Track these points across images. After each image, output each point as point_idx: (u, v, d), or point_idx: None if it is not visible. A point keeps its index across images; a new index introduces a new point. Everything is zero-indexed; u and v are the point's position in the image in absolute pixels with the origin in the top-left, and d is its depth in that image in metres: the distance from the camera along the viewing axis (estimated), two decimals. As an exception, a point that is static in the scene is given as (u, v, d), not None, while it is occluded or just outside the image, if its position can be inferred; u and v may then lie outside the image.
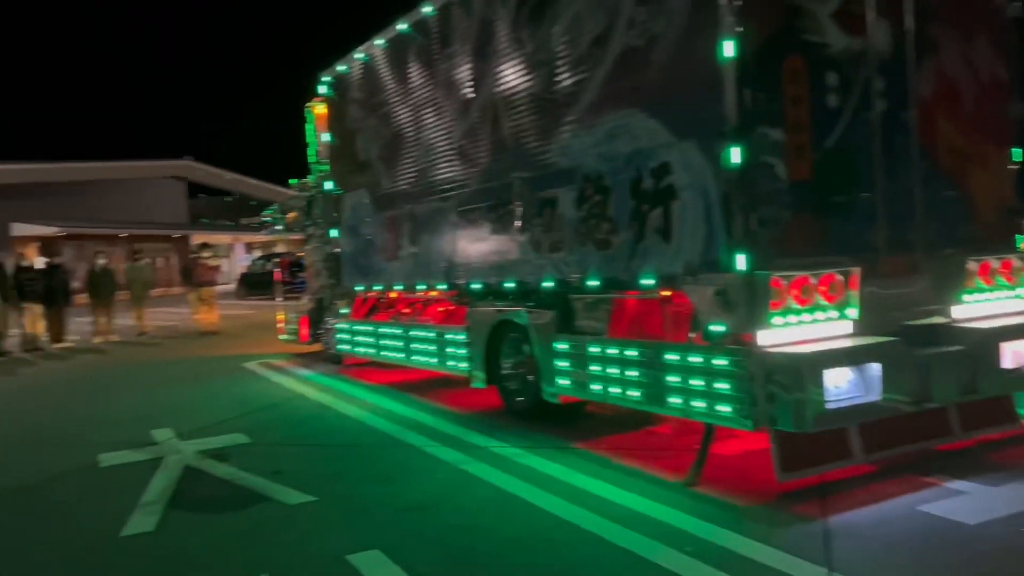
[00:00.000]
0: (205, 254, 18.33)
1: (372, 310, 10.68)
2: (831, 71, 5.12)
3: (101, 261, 17.99)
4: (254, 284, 30.83)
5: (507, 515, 4.77)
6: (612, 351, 5.94)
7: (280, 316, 13.79)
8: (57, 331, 16.94)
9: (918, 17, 5.44)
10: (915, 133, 5.43)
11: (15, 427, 8.60)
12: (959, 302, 5.63)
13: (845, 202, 5.19)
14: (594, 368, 6.15)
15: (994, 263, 5.76)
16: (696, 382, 5.20)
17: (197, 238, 47.82)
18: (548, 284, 6.64)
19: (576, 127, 6.18)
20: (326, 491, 5.42)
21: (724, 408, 5.00)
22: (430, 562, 4.11)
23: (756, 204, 4.85)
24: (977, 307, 5.70)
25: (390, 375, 10.15)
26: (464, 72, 7.65)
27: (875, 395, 4.90)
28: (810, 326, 4.99)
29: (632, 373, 5.75)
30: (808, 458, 4.94)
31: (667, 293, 5.66)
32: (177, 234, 47.31)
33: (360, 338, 10.43)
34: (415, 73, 8.62)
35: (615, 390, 5.93)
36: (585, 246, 6.17)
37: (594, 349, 6.15)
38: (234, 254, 51.93)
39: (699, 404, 5.20)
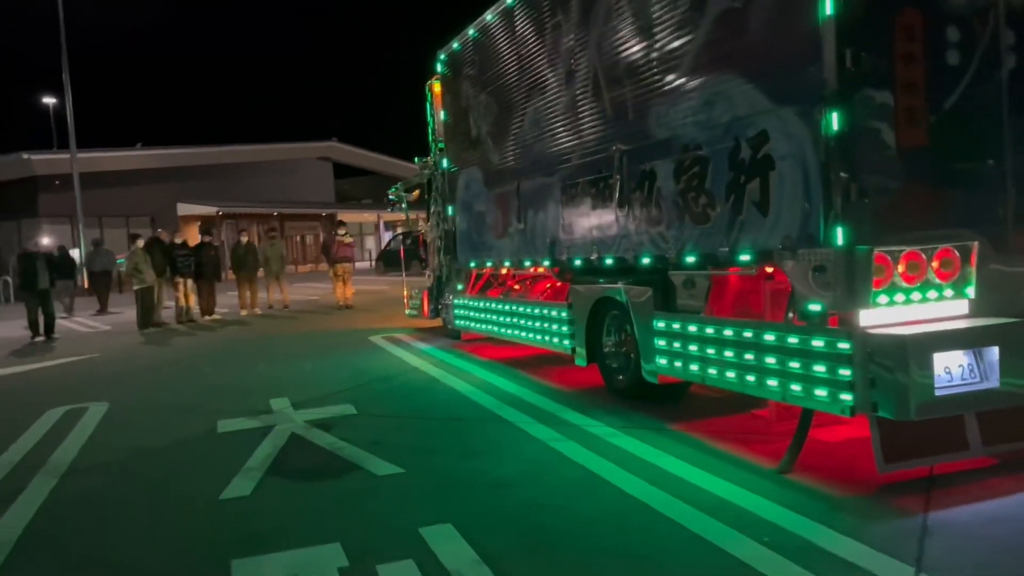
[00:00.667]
0: (340, 232, 19.01)
1: (486, 286, 10.76)
2: (952, 25, 4.64)
3: (244, 238, 18.99)
4: (392, 261, 31.80)
5: (587, 496, 4.68)
6: (709, 330, 5.70)
7: (405, 292, 14.15)
8: (208, 304, 18.03)
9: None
10: (1052, 92, 4.87)
11: (156, 394, 9.22)
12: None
13: (966, 170, 4.72)
14: (692, 348, 5.92)
15: None
16: (793, 364, 4.91)
17: (342, 216, 49.89)
18: (647, 260, 6.44)
19: (675, 95, 5.93)
20: (417, 464, 5.50)
21: (821, 392, 4.70)
22: (499, 538, 4.08)
23: (858, 174, 4.48)
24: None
25: (503, 351, 10.20)
26: (568, 42, 7.50)
27: (992, 382, 4.47)
28: (920, 305, 4.61)
29: (729, 354, 5.50)
30: (915, 448, 4.57)
31: (766, 270, 5.36)
32: (324, 212, 49.46)
33: (474, 314, 10.53)
34: (521, 46, 8.53)
35: (713, 371, 5.69)
36: (683, 220, 5.93)
37: (692, 328, 5.92)
38: (378, 232, 53.79)
39: (796, 388, 4.90)
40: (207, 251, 17.98)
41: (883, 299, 4.52)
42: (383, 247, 39.51)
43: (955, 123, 4.67)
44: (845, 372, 4.52)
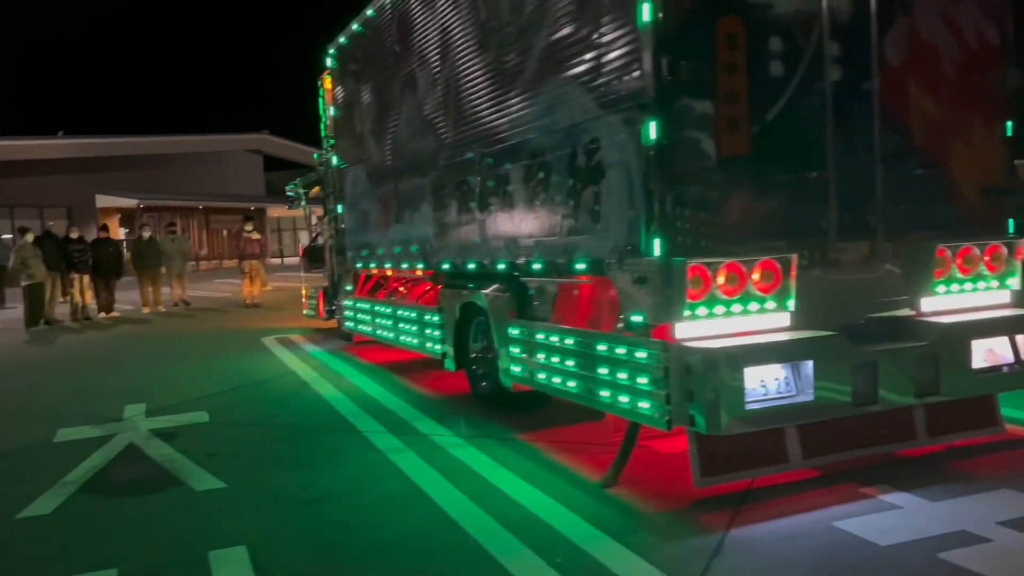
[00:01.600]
0: (247, 227, 18.56)
1: (376, 288, 10.54)
2: (776, 35, 4.60)
3: (145, 233, 18.40)
4: (316, 257, 31.18)
5: (401, 512, 4.52)
6: (552, 339, 5.60)
7: (304, 292, 13.84)
8: (106, 301, 17.41)
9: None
10: (878, 104, 4.85)
11: (7, 397, 8.79)
12: (931, 293, 5.04)
13: (789, 182, 4.68)
14: (539, 356, 5.82)
15: (975, 250, 5.15)
16: (621, 375, 4.82)
17: (274, 211, 48.91)
18: (502, 267, 6.32)
19: (522, 100, 5.81)
20: (242, 478, 5.28)
21: (644, 404, 4.61)
22: (291, 561, 3.90)
23: (676, 184, 4.41)
24: (952, 299, 5.11)
25: (388, 354, 10.00)
26: (433, 41, 7.34)
27: (807, 395, 4.44)
28: (740, 318, 4.54)
29: (569, 363, 5.40)
30: (734, 462, 4.53)
31: (600, 279, 5.28)
32: (253, 206, 48.45)
33: (360, 316, 10.30)
34: (394, 43, 8.35)
35: (557, 380, 5.59)
36: (531, 226, 5.81)
37: (538, 336, 5.81)
38: (310, 227, 52.86)
39: (624, 399, 4.81)
40: (105, 247, 17.39)
41: (702, 311, 4.45)
42: (309, 243, 38.81)
43: (778, 134, 4.63)
44: (662, 385, 4.45)
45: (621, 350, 4.80)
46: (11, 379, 10.06)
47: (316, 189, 13.39)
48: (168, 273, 18.96)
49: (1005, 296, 5.27)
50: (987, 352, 4.99)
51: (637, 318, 4.69)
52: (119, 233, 40.07)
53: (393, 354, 9.89)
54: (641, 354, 4.61)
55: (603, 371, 5.03)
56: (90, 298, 17.14)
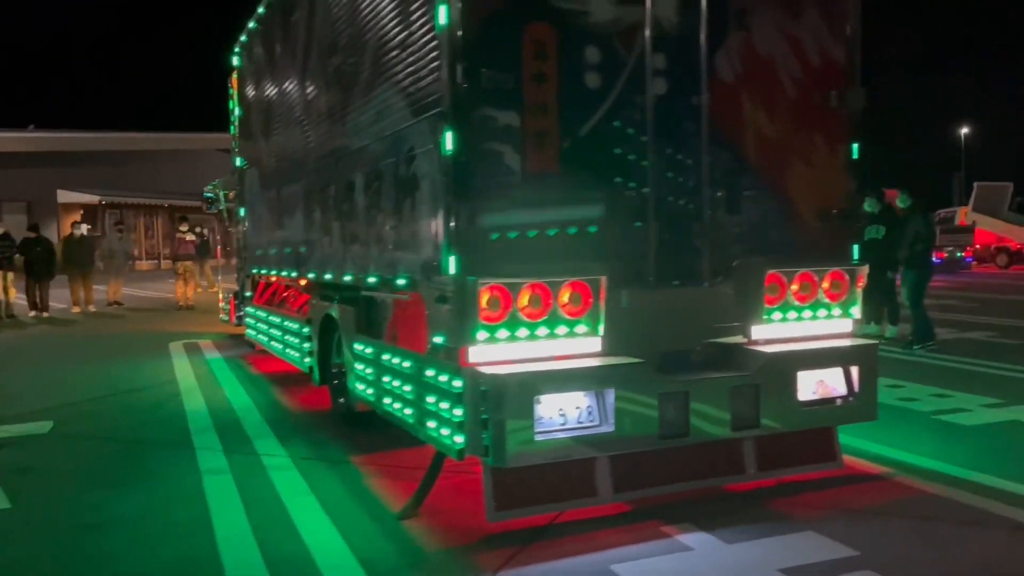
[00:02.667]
0: (182, 228, 18.19)
1: (273, 295, 10.23)
2: (593, 45, 4.36)
3: (76, 232, 17.98)
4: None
5: (172, 543, 4.21)
6: (376, 357, 5.35)
7: (220, 296, 13.51)
8: (35, 300, 16.96)
9: (718, -17, 4.62)
10: (707, 121, 4.62)
11: None
12: (762, 320, 4.80)
13: (603, 199, 4.43)
14: (369, 373, 5.55)
15: (813, 276, 4.91)
16: (430, 399, 4.55)
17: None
18: (348, 278, 6.04)
19: (360, 104, 5.55)
20: (38, 498, 4.98)
21: (445, 431, 4.35)
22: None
23: (474, 198, 4.14)
24: (787, 327, 4.87)
25: (282, 364, 9.66)
26: (299, 46, 7.07)
27: (608, 426, 4.19)
28: (548, 342, 4.27)
29: (391, 383, 5.13)
30: (534, 495, 4.25)
31: (418, 296, 5.01)
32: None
33: (254, 323, 10.01)
34: (273, 45, 8.09)
35: (387, 400, 5.31)
36: (369, 237, 5.54)
37: (368, 352, 5.56)
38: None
39: (431, 424, 4.55)
40: (35, 245, 16.96)
41: (503, 334, 4.17)
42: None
43: (592, 149, 4.38)
44: (458, 411, 4.18)
45: (430, 372, 4.53)
46: None
47: (234, 192, 13.07)
48: (106, 272, 18.55)
49: (847, 325, 5.04)
50: (817, 384, 4.77)
51: (439, 339, 4.43)
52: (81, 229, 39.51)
53: (285, 364, 9.57)
54: (442, 377, 4.35)
55: (410, 393, 4.78)
56: (14, 295, 16.70)
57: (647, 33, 4.45)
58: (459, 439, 4.17)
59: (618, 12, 4.41)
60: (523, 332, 4.22)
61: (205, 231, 20.78)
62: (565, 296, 4.28)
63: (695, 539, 4.05)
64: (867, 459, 5.36)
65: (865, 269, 5.05)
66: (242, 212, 10.57)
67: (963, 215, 31.29)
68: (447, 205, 4.19)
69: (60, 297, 18.24)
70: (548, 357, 4.25)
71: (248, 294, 10.58)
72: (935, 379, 8.05)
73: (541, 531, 4.21)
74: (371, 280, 5.51)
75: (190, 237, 18.10)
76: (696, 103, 4.60)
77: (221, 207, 13.51)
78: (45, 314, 16.81)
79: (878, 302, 10.92)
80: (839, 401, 4.83)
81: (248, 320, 10.54)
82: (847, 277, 4.99)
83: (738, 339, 4.81)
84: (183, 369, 9.70)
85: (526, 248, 4.25)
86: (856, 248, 5.13)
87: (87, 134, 43.59)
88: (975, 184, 31.84)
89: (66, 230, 17.47)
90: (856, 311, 5.06)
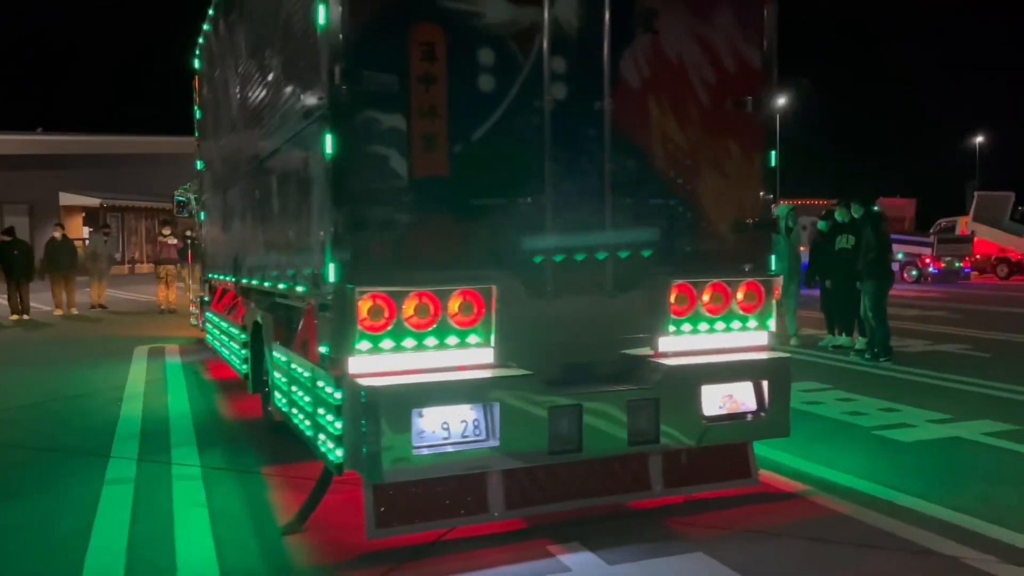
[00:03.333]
0: (164, 232, 18.14)
1: (221, 300, 10.12)
2: (487, 47, 4.23)
3: (57, 234, 17.96)
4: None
5: (35, 559, 4.08)
6: (292, 366, 5.21)
7: (191, 300, 13.44)
8: (15, 303, 16.92)
9: (624, -15, 4.47)
10: (610, 127, 4.47)
11: None
12: (669, 332, 4.65)
13: (498, 205, 4.30)
14: (283, 383, 5.43)
15: (727, 287, 4.76)
16: (320, 410, 4.42)
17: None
18: (267, 284, 5.92)
19: (269, 110, 5.45)
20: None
21: (330, 444, 4.21)
22: None
23: (356, 204, 4.01)
24: (694, 339, 4.71)
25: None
26: (233, 48, 6.98)
27: (493, 440, 4.05)
28: (437, 353, 4.13)
29: (300, 393, 5.00)
30: (420, 511, 4.11)
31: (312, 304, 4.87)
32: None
33: (210, 327, 9.91)
34: (216, 47, 8.00)
35: (294, 411, 5.18)
36: (279, 242, 5.42)
37: (283, 361, 5.43)
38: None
39: (321, 437, 4.41)
40: (11, 248, 16.93)
41: (387, 344, 4.04)
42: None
43: (486, 154, 4.25)
44: (338, 424, 4.05)
45: (320, 383, 4.40)
46: None
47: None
48: (91, 275, 18.51)
49: (763, 338, 4.88)
50: (725, 398, 4.62)
51: (323, 349, 4.29)
52: (83, 232, 39.54)
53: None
54: (328, 389, 4.21)
55: (309, 406, 4.64)
56: (-8, 299, 16.67)
57: (545, 35, 4.30)
58: (339, 452, 4.04)
59: (514, 13, 4.27)
60: (410, 343, 4.09)
61: (192, 235, 20.72)
62: (455, 306, 4.14)
63: (577, 559, 3.90)
64: (789, 476, 5.20)
65: (779, 280, 4.90)
66: (202, 216, 10.49)
67: (963, 225, 30.93)
68: (328, 210, 4.06)
69: (47, 300, 18.23)
70: (437, 368, 4.11)
71: (207, 299, 10.49)
72: (891, 392, 7.86)
73: (423, 549, 4.07)
74: (280, 287, 5.39)
75: (172, 241, 18.02)
76: (599, 108, 4.45)
77: (193, 210, 13.44)
78: (26, 317, 16.77)
79: (847, 313, 10.75)
80: (749, 416, 4.67)
81: (207, 325, 10.45)
82: (762, 288, 4.84)
83: (646, 351, 4.66)
84: (137, 374, 9.60)
85: (414, 255, 4.12)
86: (772, 259, 4.98)
87: (90, 137, 43.74)
88: (975, 193, 31.47)
89: (71, 233, 17.56)
90: (772, 323, 4.91)
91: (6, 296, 16.65)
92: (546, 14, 4.30)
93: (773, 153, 4.91)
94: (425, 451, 3.93)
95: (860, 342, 10.59)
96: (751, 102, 4.80)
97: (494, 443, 4.04)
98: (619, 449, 4.33)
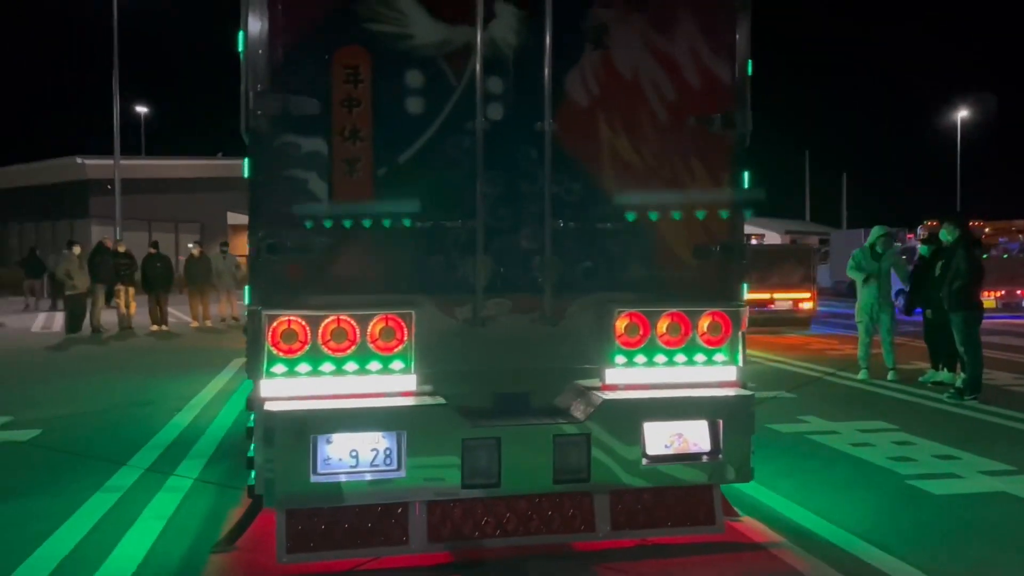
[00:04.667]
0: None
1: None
2: (416, 68, 4.16)
3: (195, 251, 19.21)
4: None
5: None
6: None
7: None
8: (155, 314, 18.23)
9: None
10: (551, 149, 4.27)
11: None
12: (614, 364, 4.35)
13: (425, 230, 4.20)
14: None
15: (688, 316, 4.42)
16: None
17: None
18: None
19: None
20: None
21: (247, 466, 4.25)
22: None
23: (270, 226, 4.04)
24: (648, 372, 4.40)
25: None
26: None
27: (402, 471, 3.95)
28: (358, 378, 4.08)
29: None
30: (334, 539, 4.06)
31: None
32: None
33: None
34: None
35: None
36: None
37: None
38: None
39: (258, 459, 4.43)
40: (154, 262, 18.33)
41: (303, 368, 4.03)
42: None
43: (413, 177, 4.17)
44: (251, 446, 4.08)
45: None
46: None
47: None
48: (217, 290, 19.75)
49: (731, 373, 4.50)
50: (673, 437, 4.29)
51: (247, 371, 4.34)
52: (246, 249, 42.41)
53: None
54: (251, 412, 4.26)
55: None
56: (134, 309, 18.09)
57: (478, 55, 4.18)
58: (250, 476, 4.07)
59: (445, 34, 4.18)
60: (328, 367, 4.06)
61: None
62: (376, 330, 4.08)
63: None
64: (775, 523, 4.78)
65: (746, 311, 4.50)
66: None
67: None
68: (248, 233, 4.12)
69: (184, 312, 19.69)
70: (355, 395, 4.07)
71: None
72: (960, 436, 7.07)
73: (329, 577, 4.01)
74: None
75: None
76: (539, 129, 4.27)
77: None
78: (164, 327, 18.06)
79: (951, 346, 9.77)
80: (705, 458, 4.32)
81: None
82: (730, 319, 4.47)
83: (594, 383, 4.41)
84: (213, 387, 10.10)
85: (333, 279, 4.10)
86: (745, 287, 4.60)
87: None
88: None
89: (234, 249, 18.97)
90: (742, 358, 4.51)
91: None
92: (479, 34, 4.18)
93: (746, 174, 4.54)
94: (325, 479, 3.88)
95: (960, 378, 9.61)
96: (719, 120, 4.46)
97: (401, 474, 3.94)
98: (543, 487, 4.11)
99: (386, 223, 4.14)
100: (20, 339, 16.62)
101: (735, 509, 4.79)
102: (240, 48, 4.09)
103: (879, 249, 10.16)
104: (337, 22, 4.09)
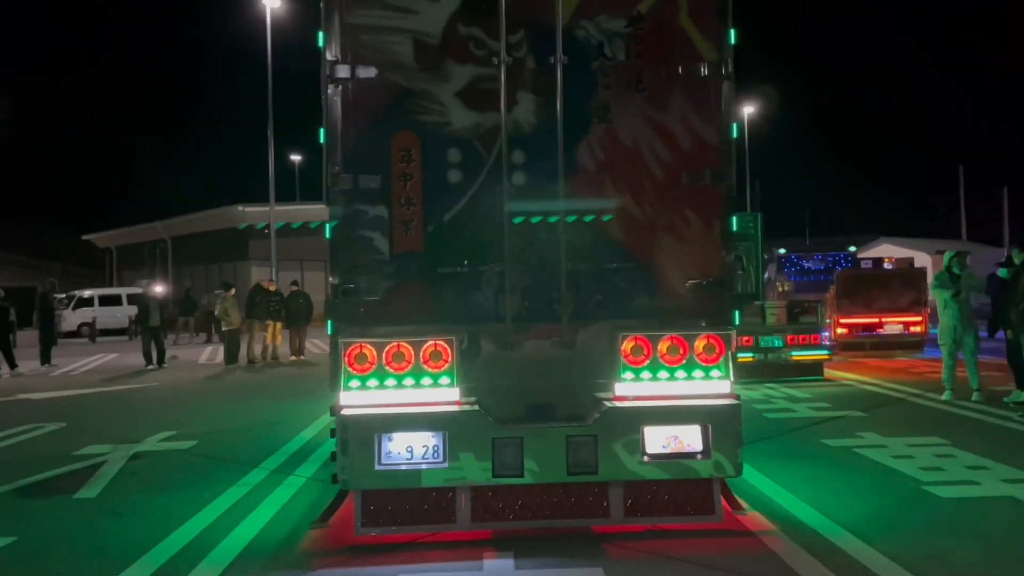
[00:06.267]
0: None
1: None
2: (453, 147, 5.31)
3: (295, 287, 20.82)
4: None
5: (112, 533, 5.76)
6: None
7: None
8: (295, 346, 20.25)
9: (575, 86, 5.28)
10: (564, 207, 5.29)
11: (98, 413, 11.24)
12: (622, 379, 5.27)
13: (464, 274, 5.32)
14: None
15: (685, 339, 5.30)
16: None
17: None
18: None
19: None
20: (114, 490, 6.83)
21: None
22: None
23: (344, 274, 5.27)
24: (651, 385, 5.29)
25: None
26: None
27: (444, 463, 5.05)
28: (415, 391, 5.21)
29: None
30: (397, 517, 5.19)
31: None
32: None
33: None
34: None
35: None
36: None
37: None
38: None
39: (336, 454, 5.64)
40: (296, 299, 20.39)
41: (373, 383, 5.21)
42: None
43: (454, 232, 5.32)
44: (336, 445, 5.29)
45: (337, 413, 5.66)
46: (143, 402, 12.69)
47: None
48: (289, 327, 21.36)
49: (725, 386, 5.34)
50: (670, 439, 5.19)
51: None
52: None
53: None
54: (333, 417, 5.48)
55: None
56: (280, 340, 20.18)
57: (504, 135, 5.28)
58: (334, 468, 5.28)
59: (477, 119, 5.32)
60: (391, 382, 5.23)
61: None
62: (427, 353, 5.22)
63: (495, 564, 4.79)
64: (775, 517, 5.53)
65: (733, 333, 5.35)
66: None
67: None
68: (329, 280, 5.38)
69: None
70: (412, 403, 5.21)
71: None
72: (1004, 450, 7.44)
73: (394, 546, 5.14)
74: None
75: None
76: (554, 191, 5.32)
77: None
78: (302, 357, 20.03)
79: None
80: (699, 457, 5.18)
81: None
82: (722, 340, 5.32)
83: (607, 395, 5.36)
84: (339, 407, 11.55)
85: (395, 312, 5.28)
86: (737, 313, 5.44)
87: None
88: None
89: None
90: (733, 373, 5.35)
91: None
92: (503, 117, 5.28)
93: (734, 219, 5.41)
94: (386, 468, 5.04)
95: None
96: (709, 175, 5.37)
97: (444, 465, 5.05)
98: (559, 477, 5.10)
99: (433, 269, 5.30)
100: (189, 369, 18.95)
101: (741, 503, 5.60)
102: (321, 140, 5.36)
103: (955, 270, 10.45)
104: (393, 114, 5.30)
